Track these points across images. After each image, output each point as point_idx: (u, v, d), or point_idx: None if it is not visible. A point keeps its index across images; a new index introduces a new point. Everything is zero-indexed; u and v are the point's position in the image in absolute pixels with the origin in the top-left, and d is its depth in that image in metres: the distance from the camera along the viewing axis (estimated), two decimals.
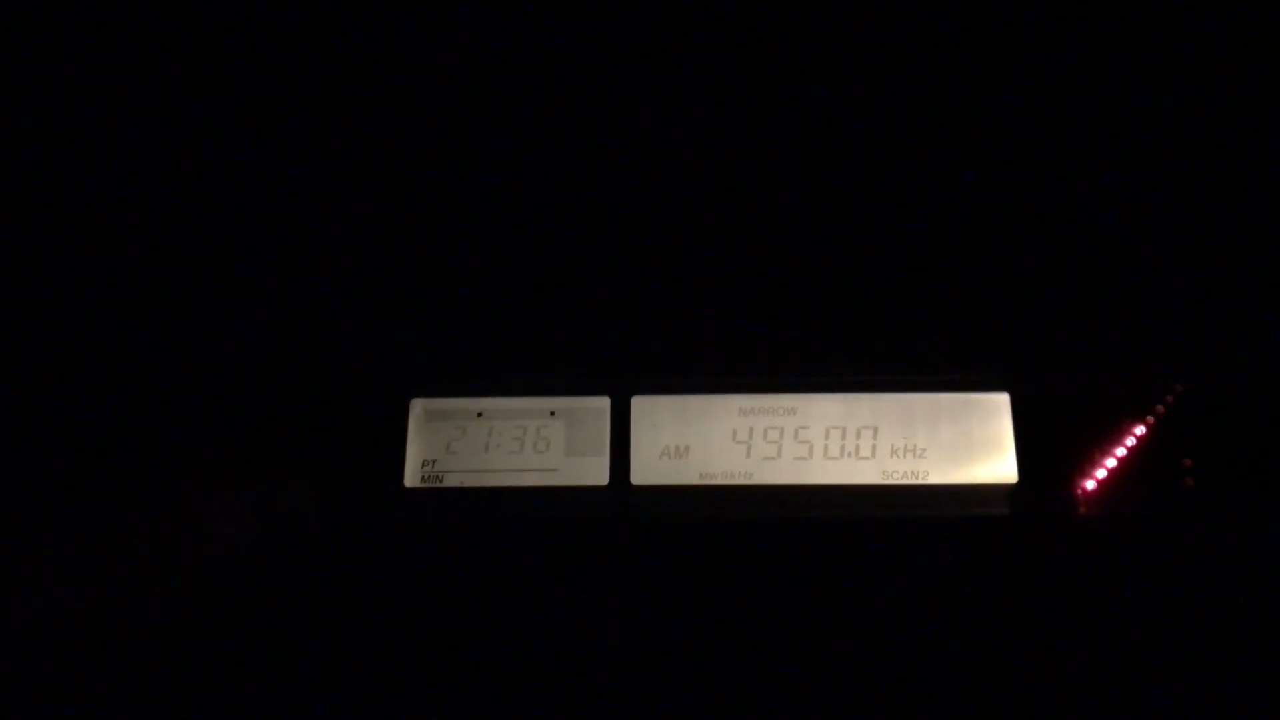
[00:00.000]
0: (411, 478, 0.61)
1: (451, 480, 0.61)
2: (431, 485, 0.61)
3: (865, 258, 0.60)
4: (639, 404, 0.61)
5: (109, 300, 0.60)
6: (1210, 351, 0.59)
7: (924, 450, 0.60)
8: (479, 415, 0.62)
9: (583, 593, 0.55)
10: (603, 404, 0.62)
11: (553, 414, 0.62)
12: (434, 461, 0.61)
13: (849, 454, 0.60)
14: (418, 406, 0.62)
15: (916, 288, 0.60)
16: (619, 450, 0.61)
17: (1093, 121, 0.56)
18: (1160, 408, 0.59)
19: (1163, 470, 0.58)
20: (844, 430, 0.60)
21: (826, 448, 0.60)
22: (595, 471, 0.61)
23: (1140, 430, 0.59)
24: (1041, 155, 0.58)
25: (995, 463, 0.59)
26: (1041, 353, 0.60)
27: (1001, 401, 0.60)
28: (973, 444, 0.60)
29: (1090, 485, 0.58)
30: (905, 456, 0.60)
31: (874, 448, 0.60)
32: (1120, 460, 0.58)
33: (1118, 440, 0.59)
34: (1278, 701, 0.49)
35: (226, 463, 0.59)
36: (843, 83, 0.57)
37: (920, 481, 0.59)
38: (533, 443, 0.61)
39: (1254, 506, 0.57)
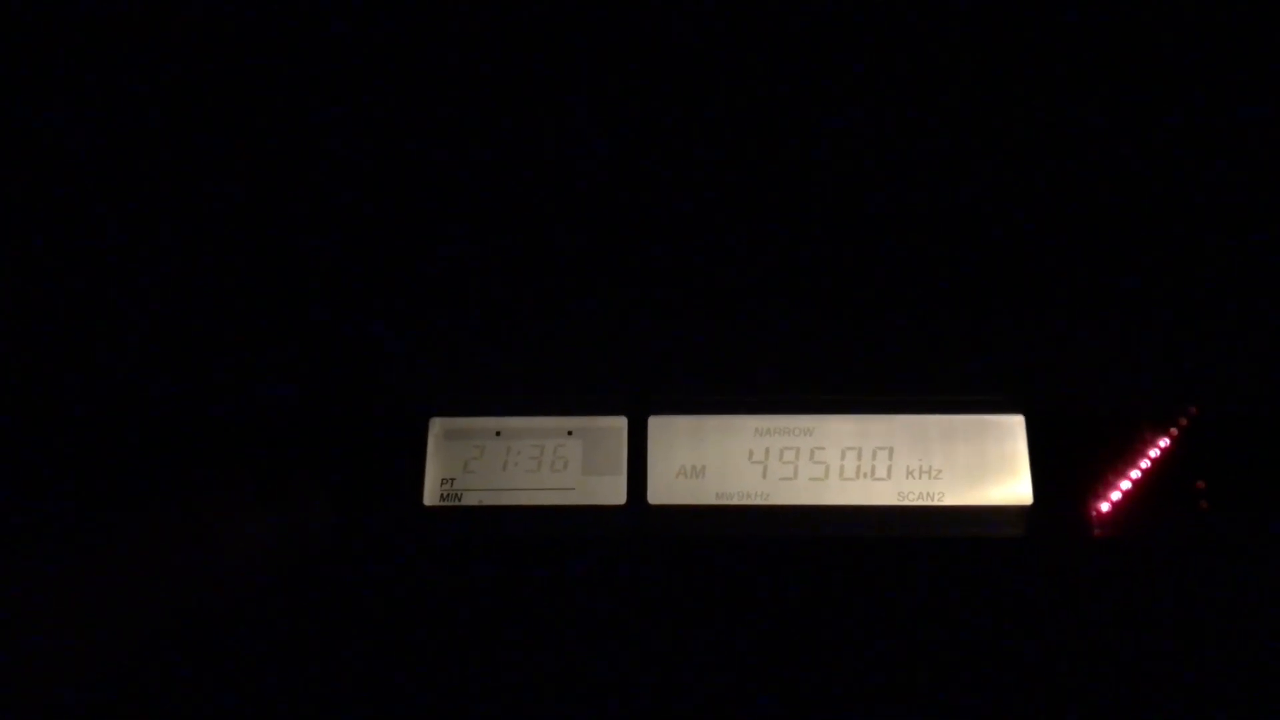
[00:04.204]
0: (430, 496, 0.61)
1: (470, 498, 0.61)
2: (450, 503, 0.61)
3: (882, 278, 0.61)
4: (655, 424, 0.62)
5: (127, 315, 0.60)
6: (1226, 374, 0.60)
7: (939, 471, 0.60)
8: (497, 434, 0.62)
9: (600, 610, 0.56)
10: (620, 424, 0.62)
11: (570, 433, 0.62)
12: (452, 480, 0.61)
13: (865, 475, 0.60)
14: (437, 425, 0.62)
15: (932, 309, 0.61)
16: (636, 470, 0.61)
17: (1109, 143, 0.57)
18: (1175, 430, 0.59)
19: (1178, 492, 0.59)
20: (860, 451, 0.61)
21: (842, 468, 0.60)
22: (612, 490, 0.61)
23: (1155, 452, 0.59)
24: (1058, 177, 0.58)
25: (1010, 484, 0.60)
26: (1057, 375, 0.60)
27: (1017, 423, 0.60)
28: (988, 465, 0.60)
29: (1105, 507, 0.59)
30: (921, 477, 0.60)
31: (889, 468, 0.60)
32: (1135, 482, 0.59)
33: (1133, 462, 0.59)
34: None
35: (245, 480, 0.60)
36: (858, 100, 0.58)
37: (936, 502, 0.60)
38: (550, 462, 0.62)
39: (1269, 529, 0.57)
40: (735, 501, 0.60)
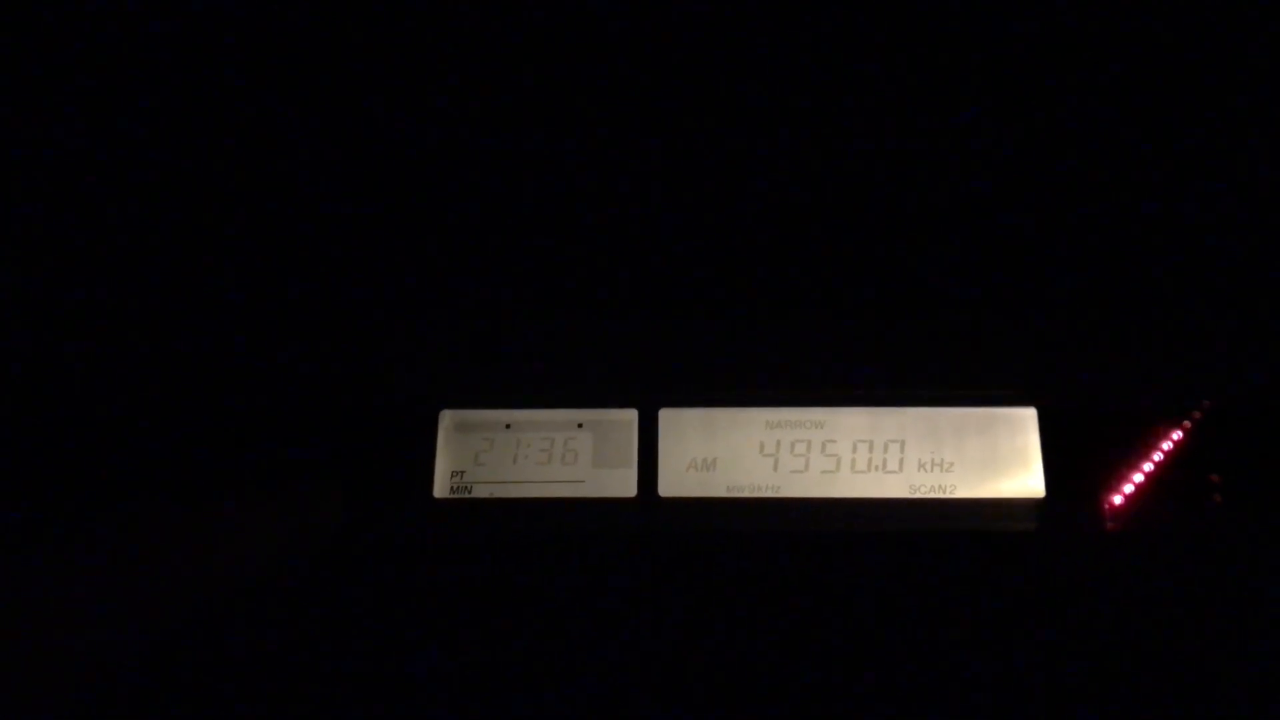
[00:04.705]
0: (441, 489, 0.61)
1: (480, 491, 0.61)
2: (460, 496, 0.61)
3: (893, 272, 0.61)
4: (666, 416, 0.62)
5: (138, 313, 0.60)
6: (1238, 367, 0.59)
7: (951, 464, 0.60)
8: (507, 427, 0.62)
9: (610, 604, 0.56)
10: (630, 416, 0.62)
11: (580, 426, 0.62)
12: (463, 473, 0.61)
13: (876, 468, 0.60)
14: (447, 418, 0.62)
15: (944, 302, 0.60)
16: (646, 462, 0.61)
17: (1121, 136, 0.57)
18: (1188, 423, 0.59)
19: (1190, 485, 0.58)
20: (871, 444, 0.60)
21: (854, 461, 0.60)
22: (623, 483, 0.61)
23: (1168, 445, 0.59)
24: (1070, 170, 0.58)
25: (1023, 477, 0.59)
26: (1068, 367, 0.60)
27: (1029, 416, 0.60)
28: (1000, 458, 0.60)
29: (1117, 500, 0.58)
30: (932, 470, 0.60)
31: (901, 461, 0.60)
32: (1148, 475, 0.58)
33: (1145, 455, 0.59)
34: None
35: (257, 474, 0.60)
36: (869, 100, 0.58)
37: (948, 495, 0.59)
38: (560, 454, 0.62)
39: None
40: (746, 494, 0.60)
